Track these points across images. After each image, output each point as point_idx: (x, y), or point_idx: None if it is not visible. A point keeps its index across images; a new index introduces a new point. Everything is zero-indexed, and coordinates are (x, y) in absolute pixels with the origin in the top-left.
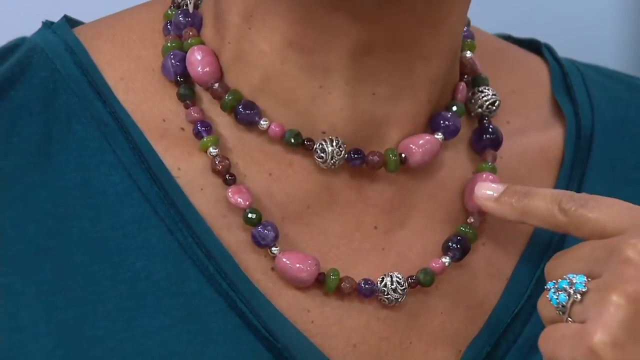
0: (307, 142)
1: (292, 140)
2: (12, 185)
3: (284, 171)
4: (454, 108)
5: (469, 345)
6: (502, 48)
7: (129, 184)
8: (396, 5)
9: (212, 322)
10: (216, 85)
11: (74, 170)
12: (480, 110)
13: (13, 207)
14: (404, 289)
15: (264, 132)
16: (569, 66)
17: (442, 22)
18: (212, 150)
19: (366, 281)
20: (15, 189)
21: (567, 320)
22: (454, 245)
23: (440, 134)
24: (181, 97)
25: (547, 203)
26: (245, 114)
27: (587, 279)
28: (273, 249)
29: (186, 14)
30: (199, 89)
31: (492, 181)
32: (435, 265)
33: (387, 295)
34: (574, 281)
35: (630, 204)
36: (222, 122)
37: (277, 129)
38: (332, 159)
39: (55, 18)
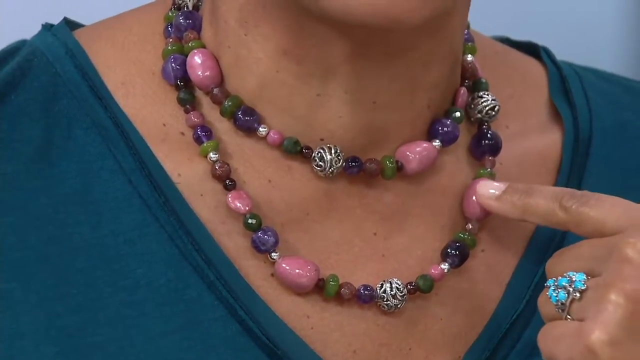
0: (305, 150)
1: (291, 149)
2: (13, 191)
3: (283, 178)
4: (454, 114)
5: (468, 350)
6: (500, 52)
7: (129, 191)
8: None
9: (212, 329)
10: (216, 90)
11: (75, 177)
12: (479, 115)
13: (13, 213)
14: (404, 295)
15: (263, 139)
16: (567, 69)
17: (442, 29)
18: (213, 156)
19: (365, 287)
20: (15, 194)
21: (566, 318)
22: (452, 251)
23: (438, 141)
24: (181, 102)
25: (548, 201)
26: (245, 120)
27: (586, 277)
28: (273, 254)
29: (187, 15)
30: (199, 93)
31: None
32: (434, 271)
33: (386, 301)
34: (574, 279)
35: (632, 203)
36: (222, 127)
37: (275, 136)
38: (330, 167)
39: (55, 20)
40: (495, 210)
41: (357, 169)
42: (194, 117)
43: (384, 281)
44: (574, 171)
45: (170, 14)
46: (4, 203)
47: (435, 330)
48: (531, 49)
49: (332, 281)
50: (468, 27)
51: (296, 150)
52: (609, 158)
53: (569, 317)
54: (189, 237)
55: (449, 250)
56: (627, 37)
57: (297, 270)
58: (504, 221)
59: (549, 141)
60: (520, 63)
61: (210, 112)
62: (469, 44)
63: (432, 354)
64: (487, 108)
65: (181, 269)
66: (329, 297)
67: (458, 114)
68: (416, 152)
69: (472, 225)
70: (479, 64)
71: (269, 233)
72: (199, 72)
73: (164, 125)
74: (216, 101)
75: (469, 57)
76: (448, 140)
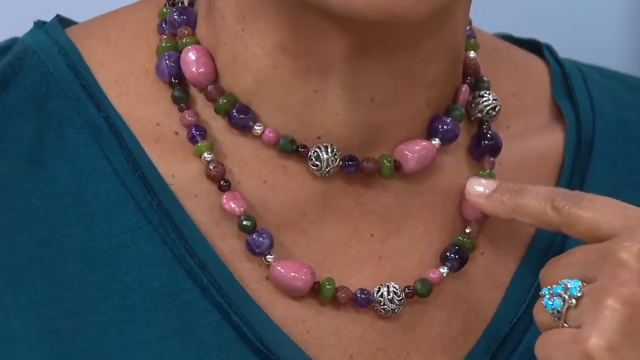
0: (301, 149)
1: (287, 147)
2: (2, 192)
3: (278, 178)
4: (454, 112)
5: (467, 355)
6: (502, 49)
7: (122, 192)
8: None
9: (205, 334)
10: (210, 87)
11: (67, 178)
12: (480, 114)
13: (3, 215)
14: (401, 299)
15: (258, 137)
16: (570, 67)
17: (443, 25)
18: (207, 156)
19: (362, 291)
20: (5, 196)
21: (562, 326)
22: (452, 255)
23: (437, 139)
24: (175, 100)
25: (539, 201)
26: (239, 118)
27: (581, 283)
28: (268, 257)
29: (181, 11)
30: (193, 90)
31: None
32: (433, 275)
33: (383, 305)
34: (569, 286)
35: (625, 204)
36: (217, 125)
37: (271, 134)
38: (327, 166)
39: (48, 17)
40: (485, 210)
41: (354, 168)
42: (188, 116)
43: (381, 285)
44: (576, 173)
45: (164, 10)
46: None
47: (434, 335)
48: (534, 47)
49: (328, 284)
50: (470, 23)
51: (292, 149)
52: (612, 158)
53: (565, 324)
54: (183, 240)
55: (448, 254)
56: (631, 34)
57: (292, 274)
58: (504, 224)
59: (550, 141)
60: (522, 60)
61: (205, 110)
62: (472, 40)
63: (431, 358)
64: (487, 108)
65: (174, 273)
66: (325, 300)
67: (458, 111)
68: (414, 151)
69: (471, 228)
70: (481, 60)
71: (264, 235)
72: (193, 69)
73: (158, 124)
74: (210, 98)
75: (472, 54)
76: (448, 139)
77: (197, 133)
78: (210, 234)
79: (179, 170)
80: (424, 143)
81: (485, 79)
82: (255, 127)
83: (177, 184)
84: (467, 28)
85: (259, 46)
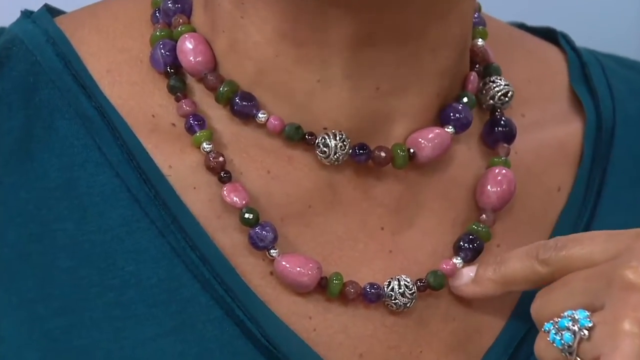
0: (308, 136)
1: (293, 135)
2: None
3: (283, 168)
4: (465, 99)
5: (485, 354)
6: (516, 36)
7: (116, 184)
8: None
9: (207, 331)
10: (210, 75)
11: (58, 170)
12: (492, 101)
13: None
14: (413, 293)
15: (262, 126)
16: (588, 56)
17: (450, 11)
18: (206, 146)
19: (372, 285)
20: None
21: None
22: (465, 245)
23: (450, 127)
24: (172, 90)
25: (523, 262)
26: (242, 105)
27: (589, 313)
28: (272, 251)
29: (175, 0)
30: (190, 80)
31: (505, 175)
32: (445, 266)
33: (394, 300)
34: (577, 317)
35: (610, 231)
36: (216, 115)
37: (276, 122)
38: (335, 154)
39: (35, 7)
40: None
41: (366, 157)
42: (185, 106)
43: (392, 278)
44: (597, 163)
45: None
46: None
47: (448, 332)
48: (549, 35)
49: (335, 280)
50: (479, 9)
51: (298, 137)
52: (634, 149)
53: (578, 359)
54: (182, 233)
55: (461, 243)
56: None
57: (298, 269)
58: (522, 214)
59: (569, 131)
60: (537, 48)
61: (203, 99)
62: (480, 27)
63: (445, 357)
64: (499, 93)
65: (173, 267)
66: (332, 297)
67: (468, 98)
68: (429, 139)
69: (486, 216)
70: (493, 48)
71: (267, 228)
72: (191, 58)
73: (153, 116)
74: (210, 87)
75: (480, 42)
76: (461, 126)
77: (196, 123)
78: (211, 227)
79: (177, 162)
80: (437, 130)
81: (495, 64)
82: (260, 114)
83: (174, 176)
84: (475, 15)
85: (260, 34)
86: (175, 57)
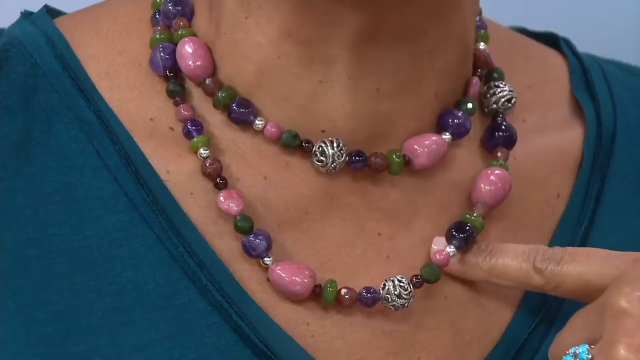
0: (305, 143)
1: (290, 142)
2: None
3: (280, 174)
4: (465, 105)
5: None
6: (517, 41)
7: (114, 189)
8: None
9: (205, 337)
10: (208, 80)
11: (56, 174)
12: (495, 106)
13: None
14: (409, 292)
15: (259, 132)
16: (589, 61)
17: (452, 13)
18: (203, 152)
19: (368, 290)
20: None
21: None
22: (457, 233)
23: (448, 133)
24: (170, 94)
25: (519, 262)
26: (240, 112)
27: (589, 346)
28: (266, 259)
29: (176, 2)
30: (189, 84)
31: (499, 175)
32: (439, 257)
33: (392, 302)
34: (577, 352)
35: (607, 250)
36: (214, 120)
37: (273, 129)
38: (332, 162)
39: (35, 8)
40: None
41: (362, 164)
42: (183, 110)
43: (386, 280)
44: (596, 170)
45: (157, 0)
46: None
47: (446, 338)
48: (550, 40)
49: (329, 287)
50: (480, 13)
51: (295, 144)
52: (635, 156)
53: None
54: (180, 239)
55: (453, 231)
56: None
57: (292, 277)
58: (521, 220)
59: (569, 137)
60: (539, 53)
61: (202, 104)
62: (482, 31)
63: None
64: (503, 99)
65: (171, 273)
66: (327, 304)
67: (470, 105)
68: (425, 146)
69: (479, 207)
70: (493, 52)
71: (260, 237)
72: (190, 62)
73: (152, 119)
74: (209, 92)
75: (482, 46)
76: (459, 134)
77: (193, 128)
78: (208, 233)
79: (174, 166)
80: (434, 137)
81: (499, 69)
82: (257, 121)
83: (172, 181)
84: (477, 19)
85: (263, 34)
86: (175, 61)
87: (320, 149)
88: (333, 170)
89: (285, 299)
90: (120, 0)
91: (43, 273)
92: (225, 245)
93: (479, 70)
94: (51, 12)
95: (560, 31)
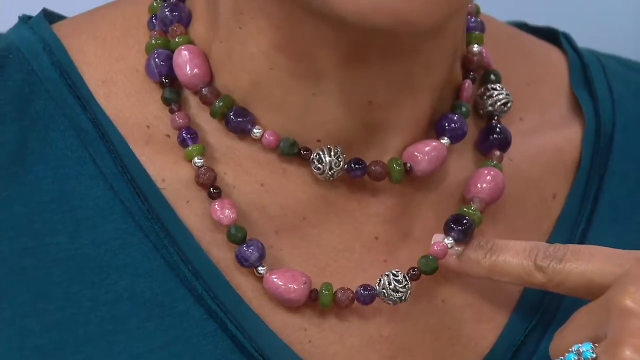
0: (303, 151)
1: (288, 151)
2: None
3: (277, 181)
4: (460, 109)
5: None
6: (515, 36)
7: (110, 197)
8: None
9: (202, 346)
10: (205, 90)
11: (52, 183)
12: (491, 109)
13: None
14: (405, 285)
15: (257, 141)
16: (590, 57)
17: (445, 30)
18: (197, 161)
19: (365, 287)
20: None
21: None
22: (455, 226)
23: (446, 138)
24: (166, 102)
25: (521, 259)
26: (237, 122)
27: (593, 345)
28: (259, 269)
29: (173, 8)
30: (186, 91)
31: (494, 175)
32: (437, 248)
33: (389, 297)
34: (581, 350)
35: (610, 249)
36: (211, 128)
37: (271, 138)
38: (330, 170)
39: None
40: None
41: (362, 172)
42: (178, 119)
43: (382, 276)
44: (595, 170)
45: (154, 4)
46: None
47: (444, 341)
48: (550, 35)
49: (325, 291)
50: (478, 12)
51: (293, 152)
52: (634, 155)
53: None
54: (176, 247)
55: (451, 224)
56: None
57: (287, 285)
58: (518, 221)
59: (568, 135)
60: (537, 49)
61: (198, 112)
62: (476, 33)
63: None
64: (499, 103)
65: (167, 282)
66: (324, 307)
67: (464, 108)
68: (425, 153)
69: (477, 201)
70: (491, 49)
71: (252, 248)
72: (187, 71)
73: (148, 127)
74: (206, 102)
75: (475, 48)
76: (457, 137)
77: (189, 137)
78: (205, 242)
79: (170, 175)
80: (434, 143)
81: (495, 71)
82: (255, 130)
83: (168, 189)
84: (472, 20)
85: (256, 45)
86: (171, 67)
87: (318, 157)
88: (331, 178)
89: (282, 306)
90: (119, 4)
91: (39, 283)
92: (221, 253)
93: (472, 73)
94: (49, 16)
95: (560, 29)
